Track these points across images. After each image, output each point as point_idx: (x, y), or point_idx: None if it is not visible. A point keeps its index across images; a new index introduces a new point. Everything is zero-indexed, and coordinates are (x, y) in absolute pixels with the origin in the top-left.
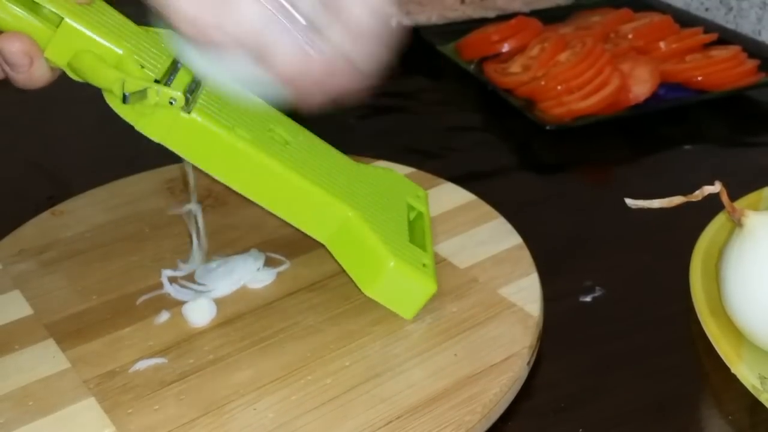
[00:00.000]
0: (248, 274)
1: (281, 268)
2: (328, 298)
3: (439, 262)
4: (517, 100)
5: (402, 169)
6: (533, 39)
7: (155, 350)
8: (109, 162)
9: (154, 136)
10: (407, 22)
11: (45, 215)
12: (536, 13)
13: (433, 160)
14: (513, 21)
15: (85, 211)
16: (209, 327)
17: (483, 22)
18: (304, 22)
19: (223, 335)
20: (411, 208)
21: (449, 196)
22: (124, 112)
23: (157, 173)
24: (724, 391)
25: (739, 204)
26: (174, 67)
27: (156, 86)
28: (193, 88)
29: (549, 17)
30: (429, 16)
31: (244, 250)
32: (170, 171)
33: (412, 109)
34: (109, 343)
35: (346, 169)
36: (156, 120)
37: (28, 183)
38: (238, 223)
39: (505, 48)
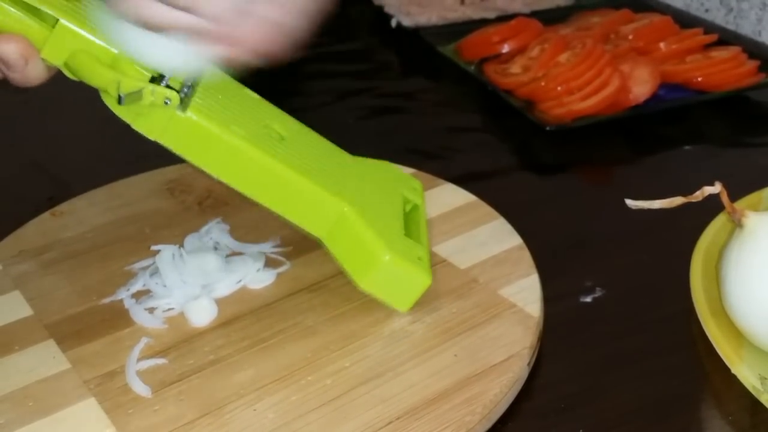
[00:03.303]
0: (248, 274)
1: (281, 269)
2: (329, 298)
3: (440, 262)
4: (517, 100)
5: (402, 170)
6: (533, 40)
7: (155, 351)
8: (109, 163)
9: (151, 134)
10: (408, 23)
11: (45, 216)
12: (536, 14)
13: (434, 160)
14: (513, 22)
15: (86, 212)
16: (209, 327)
17: (483, 23)
18: None
19: (223, 336)
20: (407, 200)
21: (449, 196)
22: (121, 111)
23: (157, 174)
24: (725, 392)
25: (739, 204)
26: None
27: (151, 86)
28: (190, 85)
29: (549, 18)
30: (429, 17)
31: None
32: (170, 172)
33: (412, 110)
34: (109, 343)
35: (342, 163)
36: (152, 119)
37: (29, 184)
38: (238, 224)
39: (505, 49)
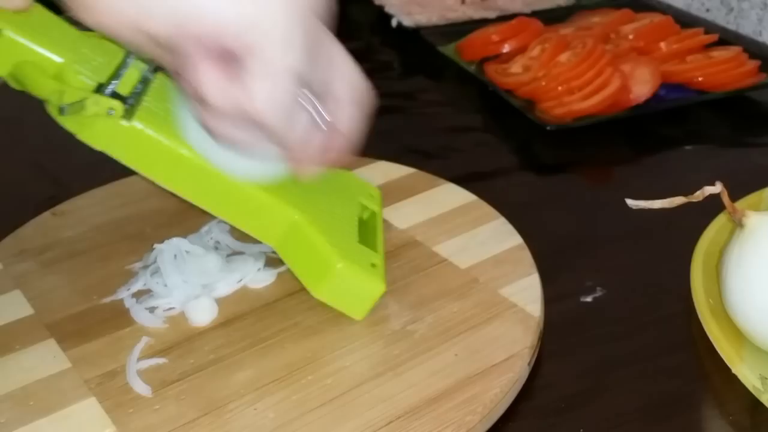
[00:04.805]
0: (249, 274)
1: (282, 269)
2: None
3: (440, 262)
4: (517, 100)
5: (402, 170)
6: (534, 39)
7: (156, 350)
8: (109, 162)
9: (97, 145)
10: (408, 22)
11: (46, 215)
12: (537, 14)
13: (434, 160)
14: (514, 21)
15: (86, 212)
16: (210, 327)
17: (483, 22)
18: (314, 98)
19: (224, 335)
20: (364, 207)
21: (450, 196)
22: (65, 122)
23: None
24: (725, 392)
25: (739, 204)
26: (119, 70)
27: (94, 96)
28: (138, 92)
29: (550, 18)
30: (429, 16)
31: None
32: None
33: (412, 110)
34: (109, 343)
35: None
36: (97, 129)
37: (29, 183)
38: None
39: (506, 48)
